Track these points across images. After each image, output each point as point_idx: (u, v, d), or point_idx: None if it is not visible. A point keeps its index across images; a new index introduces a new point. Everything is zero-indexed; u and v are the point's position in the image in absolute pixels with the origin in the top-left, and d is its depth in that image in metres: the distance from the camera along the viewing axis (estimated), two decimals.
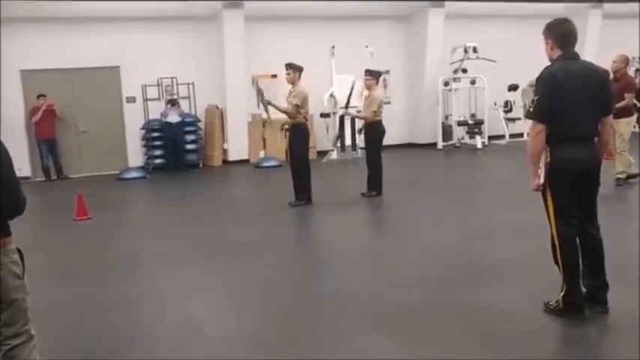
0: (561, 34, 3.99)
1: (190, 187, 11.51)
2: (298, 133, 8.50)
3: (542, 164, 3.98)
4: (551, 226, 4.08)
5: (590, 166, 3.98)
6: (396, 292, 4.89)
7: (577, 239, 4.04)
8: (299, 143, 8.55)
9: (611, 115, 4.16)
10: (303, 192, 8.62)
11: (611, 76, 9.02)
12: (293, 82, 8.53)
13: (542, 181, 4.00)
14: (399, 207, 8.59)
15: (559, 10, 15.37)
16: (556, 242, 4.05)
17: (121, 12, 12.69)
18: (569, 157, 3.89)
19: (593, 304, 4.11)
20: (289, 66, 8.52)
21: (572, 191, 3.97)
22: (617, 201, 8.20)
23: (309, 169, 8.71)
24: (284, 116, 8.88)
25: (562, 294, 4.07)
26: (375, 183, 9.06)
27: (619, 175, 8.81)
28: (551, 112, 3.86)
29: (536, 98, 3.92)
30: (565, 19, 4.13)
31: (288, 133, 8.82)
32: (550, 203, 4.03)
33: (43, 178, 12.58)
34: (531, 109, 3.96)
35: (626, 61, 8.86)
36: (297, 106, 8.38)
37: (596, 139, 4.03)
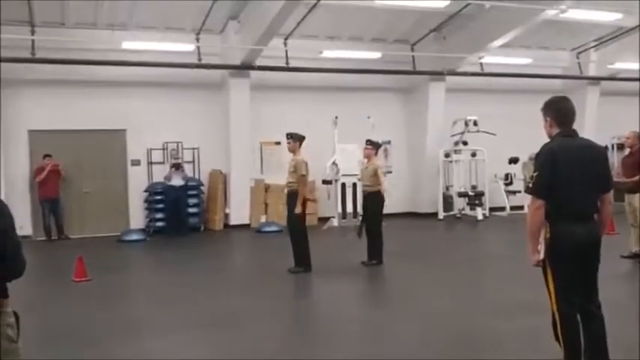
0: (559, 112, 4.05)
1: (190, 252, 11.45)
2: (295, 201, 8.52)
3: (541, 239, 3.95)
4: (551, 302, 4.03)
5: (590, 242, 3.95)
6: None
7: (578, 316, 3.98)
8: (296, 211, 8.52)
9: (611, 192, 4.17)
10: (301, 259, 8.58)
11: (627, 151, 9.22)
12: (293, 151, 8.66)
13: (542, 256, 3.96)
14: (399, 277, 8.53)
15: (558, 85, 15.81)
16: (557, 319, 3.98)
17: (129, 77, 13.02)
18: (569, 233, 3.87)
19: None
20: (290, 135, 8.67)
21: (573, 268, 3.93)
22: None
23: (306, 237, 8.67)
24: (283, 183, 8.94)
25: None
26: (375, 252, 9.02)
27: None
28: (549, 187, 3.87)
29: (535, 174, 3.94)
30: (563, 97, 4.22)
31: (287, 200, 8.81)
32: (550, 279, 3.99)
33: (44, 238, 12.56)
34: (530, 185, 3.97)
35: (638, 136, 8.85)
36: (303, 176, 8.49)
37: (596, 216, 4.02)
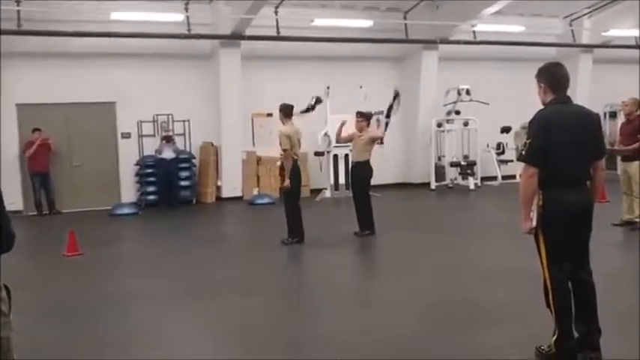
0: (553, 78, 4.02)
1: (182, 224, 11.44)
2: (288, 172, 8.48)
3: (534, 207, 3.95)
4: (543, 269, 4.04)
5: (583, 209, 3.97)
6: (385, 334, 4.83)
7: (569, 283, 4.01)
8: (290, 182, 8.52)
9: (603, 159, 4.18)
10: (295, 230, 8.59)
11: (624, 119, 9.16)
12: (282, 123, 8.60)
13: (534, 224, 3.97)
14: (392, 247, 8.56)
15: (551, 53, 15.71)
16: (548, 286, 3.99)
17: (117, 48, 12.84)
18: (562, 200, 3.88)
19: (586, 350, 4.04)
20: (280, 106, 8.62)
21: (565, 235, 3.95)
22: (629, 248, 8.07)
23: (299, 208, 8.68)
24: (277, 155, 8.91)
25: (554, 339, 4.01)
26: (366, 222, 9.03)
27: (636, 219, 8.59)
28: (543, 155, 3.86)
29: (528, 141, 3.92)
30: (557, 64, 4.19)
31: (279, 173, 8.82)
32: (542, 247, 4.00)
33: (35, 213, 12.50)
34: (523, 152, 3.94)
35: (637, 103, 8.76)
36: (285, 150, 8.42)
37: (588, 183, 4.03)
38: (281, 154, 8.61)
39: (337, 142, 10.25)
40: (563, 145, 3.87)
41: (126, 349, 4.78)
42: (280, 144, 8.44)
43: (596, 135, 4.08)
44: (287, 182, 8.50)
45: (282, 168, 8.62)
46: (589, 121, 4.05)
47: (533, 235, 4.05)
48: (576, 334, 4.04)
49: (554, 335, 4.02)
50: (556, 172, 3.88)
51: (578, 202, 3.93)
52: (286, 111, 8.59)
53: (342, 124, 9.53)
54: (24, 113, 12.77)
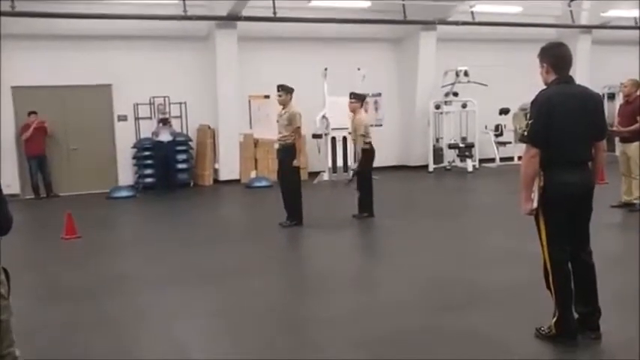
0: (557, 58, 3.99)
1: (180, 207, 11.44)
2: (290, 154, 8.49)
3: (535, 188, 3.93)
4: (543, 250, 4.04)
5: (584, 190, 3.97)
6: (384, 317, 4.84)
7: (569, 264, 4.01)
8: (291, 164, 8.52)
9: (605, 140, 4.22)
10: (294, 213, 8.58)
11: (623, 100, 9.13)
12: (284, 104, 8.55)
13: (535, 205, 3.95)
14: (390, 229, 8.57)
15: (550, 34, 15.62)
16: (548, 267, 4.00)
17: (113, 30, 12.72)
18: (563, 181, 3.87)
19: (586, 330, 4.07)
20: (281, 87, 8.55)
21: (565, 216, 3.95)
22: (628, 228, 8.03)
23: (300, 191, 8.68)
24: (274, 137, 8.87)
25: (554, 320, 4.03)
26: (366, 205, 9.03)
27: (635, 201, 8.60)
28: (545, 136, 3.83)
29: (530, 122, 3.87)
30: (560, 43, 4.17)
31: (279, 154, 8.78)
32: (543, 228, 4.00)
33: (32, 196, 12.46)
34: (525, 133, 3.91)
35: (636, 84, 8.70)
36: (298, 128, 8.41)
37: (590, 163, 4.04)
38: (284, 136, 8.48)
39: None
40: (565, 126, 3.84)
41: (126, 330, 4.79)
42: (290, 124, 8.37)
43: (598, 116, 4.05)
44: (296, 162, 8.43)
45: (292, 148, 8.46)
46: (592, 102, 4.03)
47: (534, 216, 4.03)
48: (576, 315, 4.05)
49: (554, 317, 4.04)
50: (558, 153, 3.86)
51: (579, 184, 3.92)
52: (290, 92, 8.54)
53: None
54: (20, 96, 12.67)
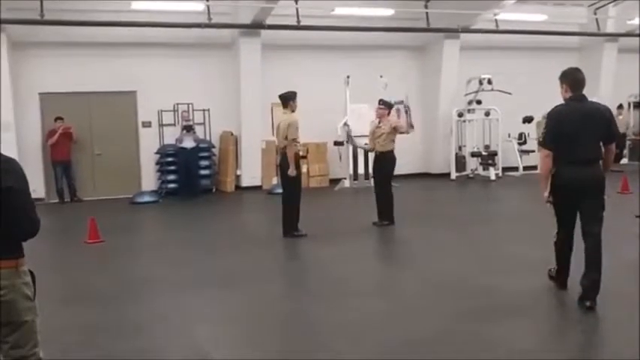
0: (573, 81, 5.04)
1: (202, 213, 11.52)
2: (287, 164, 8.23)
3: (549, 181, 5.00)
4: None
5: (590, 180, 4.89)
6: (404, 324, 4.83)
7: (573, 240, 5.13)
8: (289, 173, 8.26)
9: (614, 143, 5.17)
10: (291, 223, 8.36)
11: None
12: (293, 110, 8.42)
13: (546, 194, 5.01)
14: (411, 237, 8.53)
15: (574, 42, 15.47)
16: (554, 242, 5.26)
17: (138, 38, 12.90)
18: (565, 177, 4.92)
19: (584, 300, 4.82)
20: (279, 97, 8.47)
21: (568, 204, 4.99)
22: None
23: (297, 202, 8.43)
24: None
25: (555, 271, 5.44)
26: (387, 213, 9.00)
27: None
28: (555, 140, 4.96)
29: (544, 130, 5.08)
30: (576, 69, 5.15)
31: (279, 164, 8.57)
32: (554, 211, 5.13)
33: (57, 200, 12.66)
34: (541, 139, 5.18)
35: None
36: (293, 139, 8.17)
37: (601, 162, 5.02)
38: (288, 144, 8.23)
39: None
40: (571, 132, 4.89)
41: (148, 333, 4.84)
42: (289, 135, 8.14)
43: (605, 124, 5.00)
44: (293, 170, 8.19)
45: (296, 156, 8.34)
46: (598, 114, 5.01)
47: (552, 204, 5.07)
48: (580, 287, 4.91)
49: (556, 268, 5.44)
50: (563, 154, 4.93)
51: (582, 177, 4.86)
52: (289, 99, 8.38)
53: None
54: (46, 102, 12.91)
